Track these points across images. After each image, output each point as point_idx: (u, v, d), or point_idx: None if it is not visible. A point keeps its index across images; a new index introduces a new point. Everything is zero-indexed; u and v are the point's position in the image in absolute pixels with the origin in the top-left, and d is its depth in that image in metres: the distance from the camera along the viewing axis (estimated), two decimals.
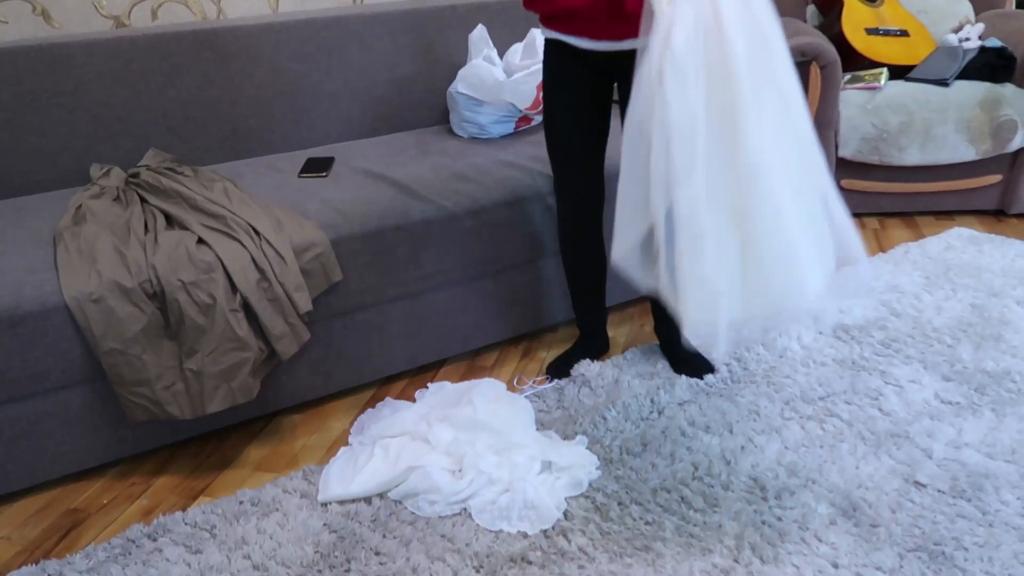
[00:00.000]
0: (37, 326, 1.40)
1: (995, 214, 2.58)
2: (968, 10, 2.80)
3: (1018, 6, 2.90)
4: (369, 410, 1.73)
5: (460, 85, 2.15)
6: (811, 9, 2.84)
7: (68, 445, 1.52)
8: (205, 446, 1.67)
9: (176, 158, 2.00)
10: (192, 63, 2.03)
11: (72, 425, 1.51)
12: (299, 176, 1.94)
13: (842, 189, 2.53)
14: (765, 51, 1.17)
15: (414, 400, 1.75)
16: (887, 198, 2.56)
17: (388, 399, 1.77)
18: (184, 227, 1.58)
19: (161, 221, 1.61)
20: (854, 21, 2.62)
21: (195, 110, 2.06)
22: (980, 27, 2.67)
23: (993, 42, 2.54)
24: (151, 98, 2.01)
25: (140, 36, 1.98)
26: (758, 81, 1.16)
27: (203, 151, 2.10)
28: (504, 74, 2.12)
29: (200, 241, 1.53)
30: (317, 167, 1.98)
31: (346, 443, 1.64)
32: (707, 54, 1.16)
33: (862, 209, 2.58)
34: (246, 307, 1.49)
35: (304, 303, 1.54)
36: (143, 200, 1.72)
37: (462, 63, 2.29)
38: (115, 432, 1.56)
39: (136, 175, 1.85)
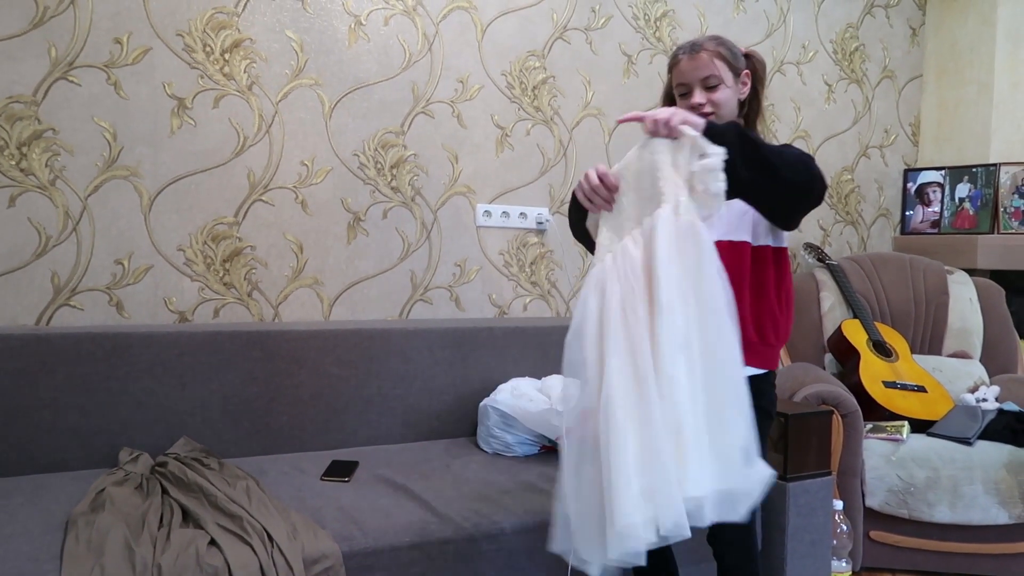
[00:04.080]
0: None
1: None
2: (981, 372, 2.91)
3: None
4: None
5: (498, 397, 2.23)
6: (829, 357, 2.98)
7: None
8: None
9: (205, 449, 2.03)
10: (239, 359, 2.15)
11: None
12: (321, 479, 1.95)
13: (871, 540, 2.44)
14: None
15: None
16: (921, 555, 2.45)
17: None
18: (199, 525, 1.56)
19: (178, 516, 1.59)
20: (871, 373, 2.74)
21: (233, 404, 2.14)
22: (996, 389, 2.76)
23: (1011, 406, 2.60)
24: (194, 389, 2.10)
25: (198, 332, 2.13)
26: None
27: (232, 443, 2.13)
28: (545, 401, 2.22)
29: (212, 542, 1.50)
30: (340, 471, 1.99)
31: None
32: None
33: (894, 565, 2.46)
34: None
35: None
36: (164, 491, 1.72)
37: (494, 380, 2.40)
38: None
39: (163, 464, 1.87)
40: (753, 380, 1.45)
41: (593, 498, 1.29)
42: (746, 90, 1.60)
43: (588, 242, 1.57)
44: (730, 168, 1.31)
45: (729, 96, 1.56)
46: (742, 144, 1.34)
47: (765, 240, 1.55)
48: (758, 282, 1.53)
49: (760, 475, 1.31)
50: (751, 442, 1.30)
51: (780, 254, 1.57)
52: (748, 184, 1.35)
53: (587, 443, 1.33)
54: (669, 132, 1.34)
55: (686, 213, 1.31)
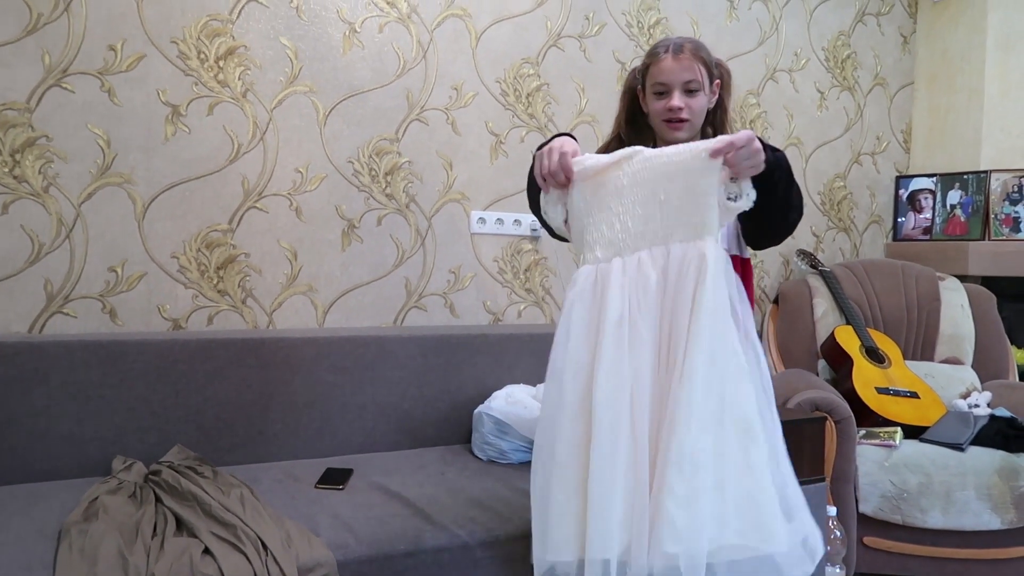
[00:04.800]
0: None
1: None
2: (973, 377, 2.93)
3: (1021, 378, 3.04)
4: None
5: (493, 404, 2.23)
6: (822, 363, 2.99)
7: None
8: None
9: (199, 457, 2.03)
10: (233, 367, 2.15)
11: None
12: (316, 487, 1.94)
13: (864, 546, 2.45)
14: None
15: None
16: (914, 561, 2.46)
17: None
18: (193, 534, 1.55)
19: (172, 525, 1.58)
20: (864, 379, 2.75)
21: (227, 411, 2.14)
22: (988, 395, 2.78)
23: (1002, 411, 2.62)
24: (188, 397, 2.10)
25: (192, 339, 2.12)
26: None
27: (226, 451, 2.13)
28: (539, 408, 2.22)
29: (206, 551, 1.49)
30: (335, 479, 1.98)
31: None
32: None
33: (887, 570, 2.47)
34: None
35: None
36: (158, 499, 1.71)
37: (488, 387, 2.40)
38: None
39: (157, 472, 1.86)
40: None
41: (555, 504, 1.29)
42: (714, 99, 1.60)
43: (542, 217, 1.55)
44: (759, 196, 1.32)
45: (704, 104, 1.56)
46: (788, 185, 1.37)
47: (736, 251, 1.58)
48: None
49: (796, 534, 1.23)
50: (787, 495, 1.25)
51: (746, 264, 1.61)
52: (761, 213, 1.36)
53: (551, 450, 1.33)
54: (735, 162, 1.28)
55: (721, 249, 1.31)
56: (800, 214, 1.48)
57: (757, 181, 1.32)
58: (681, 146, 1.35)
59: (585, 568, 1.24)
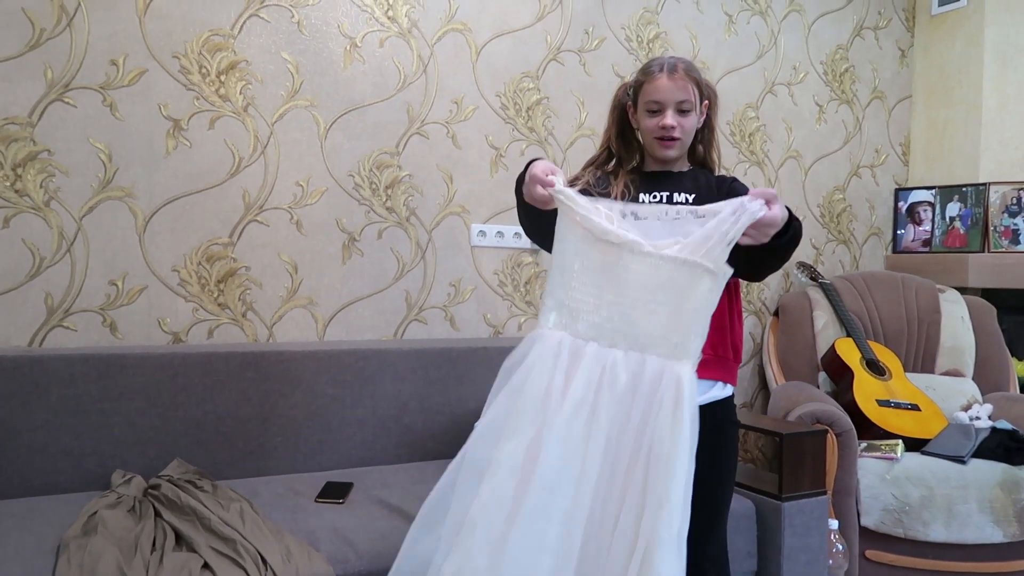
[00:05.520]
0: None
1: None
2: (974, 390, 2.93)
3: (1022, 390, 3.03)
4: None
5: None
6: (823, 376, 2.99)
7: None
8: None
9: (198, 471, 2.02)
10: (233, 380, 2.15)
11: None
12: (316, 501, 1.94)
13: (866, 560, 2.44)
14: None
15: None
16: (916, 574, 2.45)
17: None
18: (192, 548, 1.55)
19: (171, 539, 1.58)
20: (865, 391, 2.74)
21: (227, 425, 2.13)
22: (989, 407, 2.77)
23: (1004, 424, 2.61)
24: (188, 410, 2.09)
25: (192, 353, 2.12)
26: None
27: (226, 465, 2.12)
28: None
29: (205, 566, 1.49)
30: (335, 493, 1.98)
31: None
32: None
33: None
34: None
35: None
36: (157, 514, 1.71)
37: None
38: None
39: (156, 486, 1.86)
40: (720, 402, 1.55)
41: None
42: (703, 120, 1.61)
43: (539, 241, 1.58)
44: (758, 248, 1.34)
45: (694, 123, 1.58)
46: (789, 242, 1.39)
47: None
48: (721, 306, 1.54)
49: None
50: None
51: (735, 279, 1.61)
52: (755, 260, 1.40)
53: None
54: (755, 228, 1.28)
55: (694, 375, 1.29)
56: (791, 253, 1.48)
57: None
58: (683, 252, 1.30)
59: None
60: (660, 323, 1.30)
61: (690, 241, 1.29)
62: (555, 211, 1.40)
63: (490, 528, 1.25)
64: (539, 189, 1.38)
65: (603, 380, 1.29)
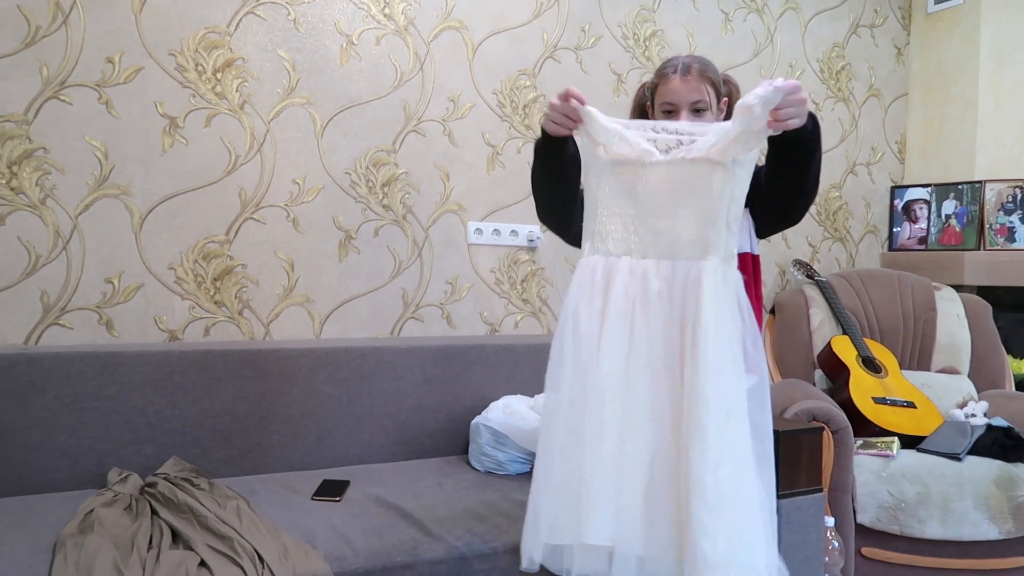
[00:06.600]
0: None
1: None
2: (970, 387, 2.93)
3: (1018, 387, 3.04)
4: None
5: (490, 415, 2.23)
6: (819, 373, 2.99)
7: None
8: None
9: (195, 469, 2.02)
10: (230, 378, 2.15)
11: None
12: (312, 499, 1.94)
13: (863, 557, 2.44)
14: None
15: None
16: (912, 571, 2.45)
17: None
18: (189, 547, 1.55)
19: (167, 538, 1.58)
20: (861, 389, 2.75)
21: (223, 423, 2.13)
22: (985, 404, 2.78)
23: (999, 421, 2.62)
24: (184, 408, 2.09)
25: (189, 351, 2.12)
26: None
27: (223, 463, 2.12)
28: (537, 419, 2.21)
29: (202, 564, 1.49)
30: (332, 491, 1.98)
31: None
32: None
33: None
34: None
35: None
36: (154, 512, 1.71)
37: (485, 398, 2.40)
38: None
39: (153, 484, 1.86)
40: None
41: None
42: (723, 116, 1.61)
43: (557, 217, 1.59)
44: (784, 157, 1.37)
45: (711, 122, 1.58)
46: (815, 150, 1.40)
47: (749, 248, 1.59)
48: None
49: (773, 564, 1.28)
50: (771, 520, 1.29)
51: (756, 261, 1.63)
52: (785, 172, 1.42)
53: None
54: (782, 108, 1.26)
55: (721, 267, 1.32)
56: (813, 198, 1.50)
57: (791, 141, 1.34)
58: (702, 147, 1.33)
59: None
60: (683, 227, 1.35)
61: (697, 143, 1.34)
62: (578, 165, 1.45)
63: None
64: (571, 105, 1.40)
65: (639, 293, 1.35)
